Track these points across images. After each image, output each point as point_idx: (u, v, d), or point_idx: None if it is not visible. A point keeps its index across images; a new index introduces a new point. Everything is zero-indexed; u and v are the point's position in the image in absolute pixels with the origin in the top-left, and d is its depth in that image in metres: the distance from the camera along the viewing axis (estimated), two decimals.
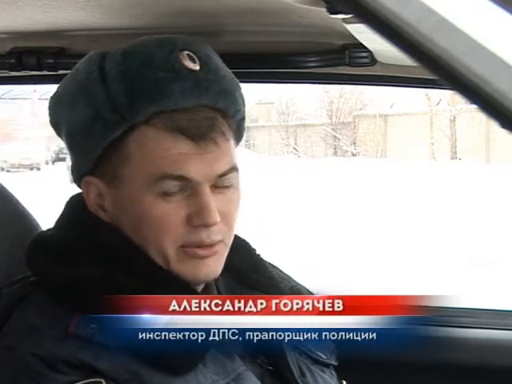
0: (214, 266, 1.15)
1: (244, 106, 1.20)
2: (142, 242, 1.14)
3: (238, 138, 1.21)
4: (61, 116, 1.20)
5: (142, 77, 1.12)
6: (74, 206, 1.22)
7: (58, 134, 1.21)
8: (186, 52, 1.14)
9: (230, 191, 1.16)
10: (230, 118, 1.16)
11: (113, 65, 1.13)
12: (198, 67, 1.14)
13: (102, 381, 1.05)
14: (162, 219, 1.12)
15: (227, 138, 1.15)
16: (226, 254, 1.18)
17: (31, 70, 1.59)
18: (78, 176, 1.19)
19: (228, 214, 1.15)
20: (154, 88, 1.11)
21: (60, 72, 1.59)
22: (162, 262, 1.14)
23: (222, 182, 1.15)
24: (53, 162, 31.92)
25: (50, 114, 1.22)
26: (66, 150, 1.22)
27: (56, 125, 1.21)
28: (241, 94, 1.20)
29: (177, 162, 1.11)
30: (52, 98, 1.22)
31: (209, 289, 1.23)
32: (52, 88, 1.25)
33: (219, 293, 1.25)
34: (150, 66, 1.12)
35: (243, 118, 1.21)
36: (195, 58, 1.14)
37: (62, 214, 1.22)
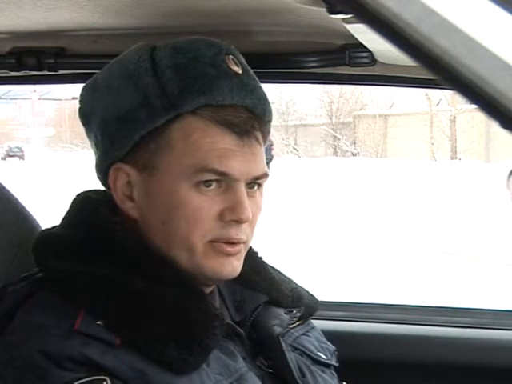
0: (237, 265, 1.17)
1: (272, 117, 1.22)
2: (167, 236, 1.14)
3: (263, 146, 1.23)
4: (97, 103, 1.20)
5: (193, 70, 1.14)
6: (81, 203, 1.22)
7: (87, 122, 1.21)
8: (231, 56, 1.17)
9: (258, 195, 1.19)
10: (263, 125, 1.19)
11: (164, 56, 1.16)
12: (240, 71, 1.17)
13: (107, 378, 1.05)
14: (196, 211, 1.12)
15: (264, 140, 1.19)
16: (244, 256, 1.19)
17: (31, 70, 1.59)
18: (105, 164, 1.19)
19: (254, 216, 1.17)
20: (205, 81, 1.13)
21: (60, 72, 1.59)
22: (187, 256, 1.14)
23: (253, 185, 1.17)
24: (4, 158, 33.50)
25: (83, 102, 1.23)
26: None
27: (89, 113, 1.21)
28: (270, 105, 1.22)
29: (221, 157, 1.13)
30: (87, 85, 1.23)
31: (212, 290, 1.23)
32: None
33: (221, 295, 1.26)
34: (201, 61, 1.15)
35: (269, 131, 1.23)
36: (238, 63, 1.18)
37: (68, 212, 1.22)
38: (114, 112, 1.16)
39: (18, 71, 1.60)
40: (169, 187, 1.13)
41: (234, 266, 1.16)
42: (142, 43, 1.20)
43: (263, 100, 1.18)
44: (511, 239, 9.40)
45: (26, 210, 1.41)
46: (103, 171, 1.20)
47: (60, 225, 1.22)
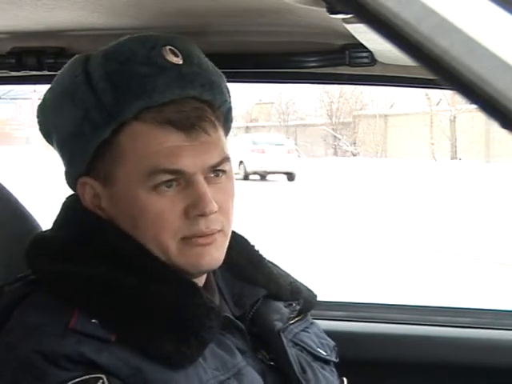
0: (216, 253, 1.16)
1: (230, 97, 1.22)
2: (142, 239, 1.15)
3: (227, 129, 1.22)
4: (50, 122, 1.21)
5: (126, 74, 1.13)
6: (71, 204, 1.23)
7: (49, 141, 1.23)
8: (168, 47, 1.15)
9: (224, 181, 1.17)
10: (217, 109, 1.18)
11: (97, 66, 1.15)
12: (181, 61, 1.15)
13: (103, 377, 1.05)
14: (159, 214, 1.13)
15: (216, 128, 1.17)
16: (226, 244, 1.19)
17: (31, 70, 1.59)
18: (72, 179, 1.20)
19: (224, 203, 1.16)
20: (139, 83, 1.12)
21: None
22: (164, 255, 1.14)
23: (215, 173, 1.16)
24: None
25: (40, 123, 1.23)
26: None
27: (46, 132, 1.23)
28: (226, 86, 1.21)
29: (170, 156, 1.12)
30: (39, 106, 1.24)
31: (209, 285, 1.23)
32: None
33: (219, 289, 1.26)
34: (133, 62, 1.14)
35: (230, 109, 1.23)
36: (177, 52, 1.16)
37: (59, 214, 1.23)
38: (65, 129, 1.17)
39: (18, 71, 1.60)
40: (130, 195, 1.14)
41: (212, 255, 1.15)
42: (77, 56, 1.20)
43: (209, 85, 1.16)
44: (511, 239, 9.40)
45: (26, 210, 1.42)
46: (72, 185, 1.21)
47: (52, 226, 1.22)
